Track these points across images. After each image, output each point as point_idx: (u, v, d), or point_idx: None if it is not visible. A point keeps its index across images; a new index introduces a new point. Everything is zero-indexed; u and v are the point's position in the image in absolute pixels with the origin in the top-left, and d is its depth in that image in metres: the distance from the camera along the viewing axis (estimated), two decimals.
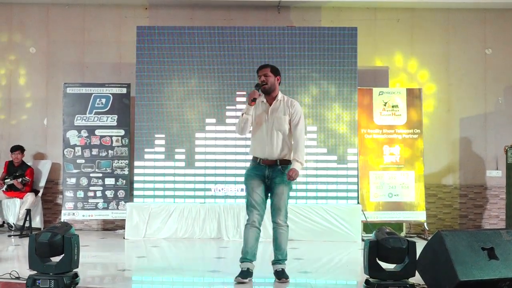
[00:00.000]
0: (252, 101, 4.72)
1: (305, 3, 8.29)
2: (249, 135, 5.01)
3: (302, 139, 4.79)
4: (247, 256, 4.73)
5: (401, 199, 7.67)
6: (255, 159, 4.82)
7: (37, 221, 8.01)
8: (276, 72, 4.85)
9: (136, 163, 7.68)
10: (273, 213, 4.77)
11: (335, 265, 6.02)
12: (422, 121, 7.84)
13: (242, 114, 4.79)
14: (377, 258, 4.23)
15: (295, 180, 4.71)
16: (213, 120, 7.69)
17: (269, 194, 4.81)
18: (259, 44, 7.69)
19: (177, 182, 7.62)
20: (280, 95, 4.86)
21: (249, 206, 4.76)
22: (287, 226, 4.79)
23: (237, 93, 7.66)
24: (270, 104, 4.83)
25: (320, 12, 8.44)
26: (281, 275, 4.72)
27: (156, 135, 7.68)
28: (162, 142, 7.68)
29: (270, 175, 4.73)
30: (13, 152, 8.00)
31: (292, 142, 4.82)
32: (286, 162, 4.77)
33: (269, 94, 4.84)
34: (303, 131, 4.82)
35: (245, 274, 4.68)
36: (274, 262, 4.79)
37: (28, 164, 8.16)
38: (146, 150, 7.65)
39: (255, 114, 4.83)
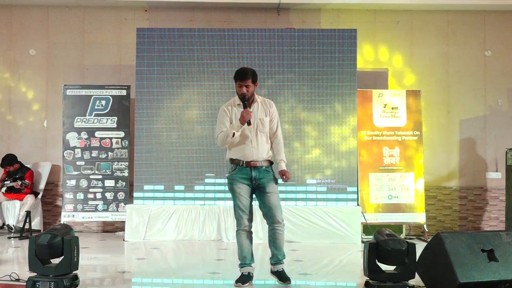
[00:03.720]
0: (248, 123, 4.59)
1: (304, 5, 8.30)
2: None
3: (281, 140, 4.84)
4: (246, 261, 4.73)
5: (400, 201, 7.67)
6: (237, 162, 4.74)
7: (36, 223, 8.01)
8: (255, 79, 4.72)
9: (135, 165, 7.68)
10: (269, 214, 4.70)
11: (335, 267, 6.02)
12: (421, 123, 7.85)
13: (233, 133, 4.64)
14: (377, 260, 4.23)
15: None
16: (213, 121, 7.68)
17: (254, 196, 4.78)
18: (259, 46, 7.69)
19: (177, 183, 7.61)
20: (256, 97, 4.81)
21: (238, 211, 4.72)
22: (284, 224, 4.77)
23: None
24: (250, 107, 4.73)
25: (319, 14, 8.45)
26: (284, 277, 4.72)
27: (156, 137, 7.68)
28: (162, 143, 7.67)
29: (257, 177, 4.70)
30: (6, 166, 7.94)
31: (274, 143, 4.80)
32: (270, 163, 4.79)
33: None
34: (280, 131, 4.85)
35: (246, 278, 4.68)
36: (274, 262, 4.77)
37: (27, 166, 8.15)
38: (145, 152, 7.65)
39: (235, 119, 4.73)
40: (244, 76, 4.69)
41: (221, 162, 7.59)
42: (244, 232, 4.72)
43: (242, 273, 4.71)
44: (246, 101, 4.67)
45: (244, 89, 4.67)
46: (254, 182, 4.71)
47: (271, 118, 4.79)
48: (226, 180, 4.93)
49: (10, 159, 7.98)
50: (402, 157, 7.74)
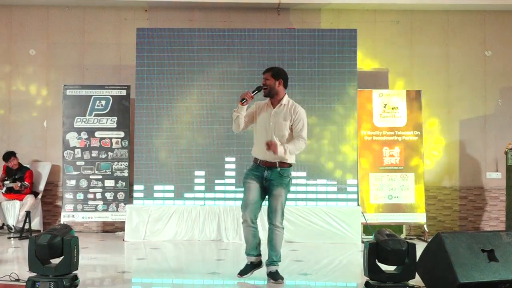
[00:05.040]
0: (240, 101, 4.78)
1: (304, 5, 8.29)
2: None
3: (300, 142, 4.78)
4: (250, 251, 4.90)
5: (401, 201, 7.67)
6: (255, 160, 4.90)
7: (36, 223, 8.00)
8: (277, 75, 4.86)
9: (135, 165, 7.68)
10: (269, 215, 4.83)
11: (335, 267, 6.02)
12: (422, 123, 7.84)
13: (234, 111, 4.90)
14: (377, 260, 4.22)
15: (270, 151, 4.64)
16: (213, 122, 7.69)
17: (266, 196, 4.87)
18: (259, 46, 7.69)
19: (177, 184, 7.61)
20: (285, 100, 4.89)
21: (243, 205, 4.86)
22: (283, 228, 4.87)
23: (237, 95, 7.64)
24: (274, 108, 4.88)
25: (319, 14, 8.44)
26: (276, 276, 4.79)
27: (156, 137, 7.68)
28: (162, 143, 7.67)
29: (269, 177, 4.79)
30: (8, 160, 7.95)
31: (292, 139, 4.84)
32: (285, 165, 4.81)
33: (273, 97, 4.90)
34: (304, 137, 4.80)
35: (245, 269, 4.89)
36: (268, 263, 4.86)
37: (27, 166, 8.15)
38: (145, 152, 7.65)
39: (259, 116, 4.90)
40: (266, 70, 4.95)
41: (221, 162, 7.60)
42: (245, 225, 4.86)
43: (246, 262, 4.92)
44: (260, 91, 4.86)
45: (263, 80, 4.89)
46: (265, 182, 4.81)
47: (292, 123, 4.82)
48: None
49: (9, 153, 8.01)
50: (402, 157, 7.74)
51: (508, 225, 7.59)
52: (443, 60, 8.48)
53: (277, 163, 4.78)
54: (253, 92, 4.83)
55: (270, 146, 4.62)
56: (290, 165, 4.84)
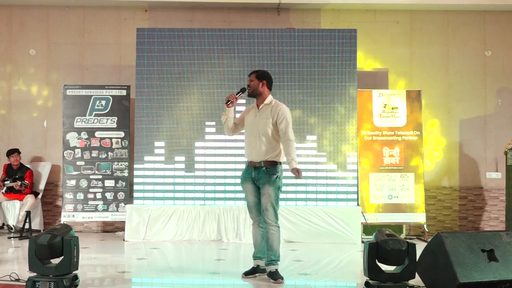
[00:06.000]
0: (225, 103, 4.98)
1: (304, 5, 8.29)
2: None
3: (290, 141, 4.86)
4: (256, 254, 5.00)
5: (401, 201, 7.67)
6: (246, 162, 5.04)
7: (37, 223, 8.01)
8: (261, 77, 5.00)
9: (135, 165, 7.68)
10: (262, 213, 4.92)
11: (335, 267, 6.02)
12: (421, 123, 7.84)
13: (222, 114, 5.06)
14: (377, 260, 4.23)
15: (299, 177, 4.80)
16: (213, 122, 7.69)
17: None
18: (259, 46, 7.69)
19: (177, 184, 7.62)
20: (268, 99, 5.01)
21: (247, 208, 5.05)
22: (278, 226, 4.91)
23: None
24: (259, 108, 5.01)
25: (319, 14, 8.45)
26: (276, 276, 4.80)
27: (156, 137, 7.68)
28: (162, 144, 7.67)
29: (256, 177, 4.90)
30: (11, 155, 7.99)
31: (283, 145, 4.90)
32: (271, 164, 4.88)
33: (257, 98, 5.04)
34: (288, 133, 4.86)
35: (251, 271, 4.96)
36: (267, 263, 4.89)
37: (27, 166, 8.16)
38: (145, 152, 7.65)
39: (246, 118, 5.07)
40: (251, 72, 5.13)
41: (221, 162, 7.60)
42: (253, 227, 5.05)
43: (252, 265, 5.00)
44: (244, 92, 5.02)
45: (248, 82, 5.03)
46: (255, 182, 4.93)
47: (275, 120, 4.90)
48: None
49: (13, 149, 8.07)
50: (402, 157, 7.74)
51: (508, 225, 7.58)
52: (443, 60, 8.48)
53: (262, 162, 4.87)
54: (237, 94, 5.00)
55: (298, 174, 4.75)
56: (276, 163, 4.88)
